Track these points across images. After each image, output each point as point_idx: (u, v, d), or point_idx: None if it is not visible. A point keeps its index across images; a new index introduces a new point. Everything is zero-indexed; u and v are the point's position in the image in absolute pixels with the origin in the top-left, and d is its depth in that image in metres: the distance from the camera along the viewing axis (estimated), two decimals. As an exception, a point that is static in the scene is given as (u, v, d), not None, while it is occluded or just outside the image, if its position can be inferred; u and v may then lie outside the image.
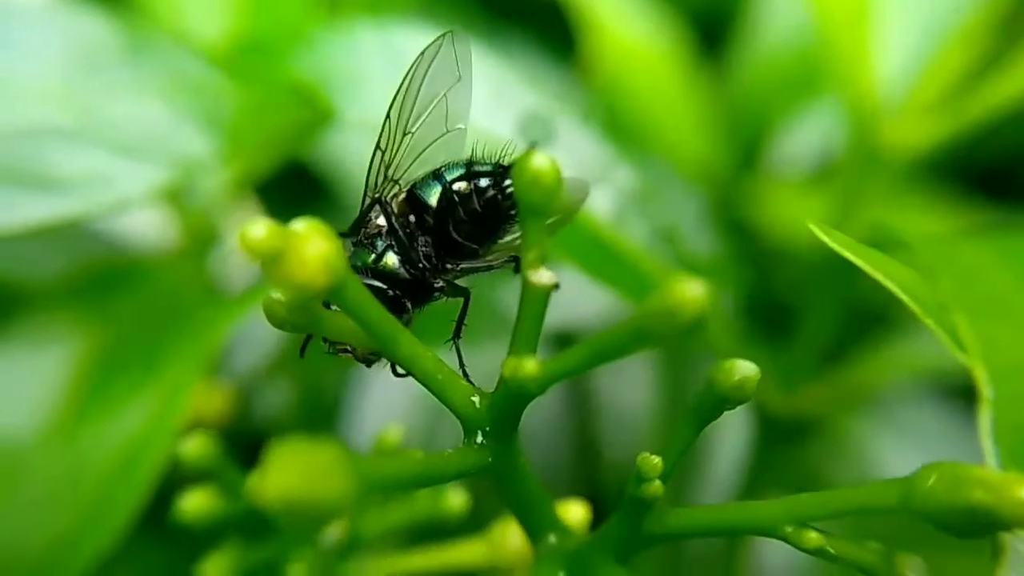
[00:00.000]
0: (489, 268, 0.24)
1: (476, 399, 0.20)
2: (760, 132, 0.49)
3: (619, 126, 0.46)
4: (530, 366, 0.18)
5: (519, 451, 0.20)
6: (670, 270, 0.31)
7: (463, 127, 0.24)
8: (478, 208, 0.23)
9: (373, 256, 0.22)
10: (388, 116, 0.23)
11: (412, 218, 0.22)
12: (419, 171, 0.23)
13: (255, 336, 0.33)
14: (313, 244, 0.17)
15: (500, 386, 0.20)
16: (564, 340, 0.36)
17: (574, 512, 0.24)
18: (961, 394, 0.35)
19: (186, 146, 0.24)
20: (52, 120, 0.24)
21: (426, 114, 0.23)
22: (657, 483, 0.19)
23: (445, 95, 0.23)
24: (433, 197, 0.23)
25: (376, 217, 0.23)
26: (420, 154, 0.23)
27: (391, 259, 0.22)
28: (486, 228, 0.23)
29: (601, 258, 0.30)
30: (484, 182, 0.23)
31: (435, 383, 0.20)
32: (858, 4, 0.30)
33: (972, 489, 0.15)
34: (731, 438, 0.34)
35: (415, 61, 0.22)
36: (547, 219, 0.19)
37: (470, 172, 0.23)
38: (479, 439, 0.20)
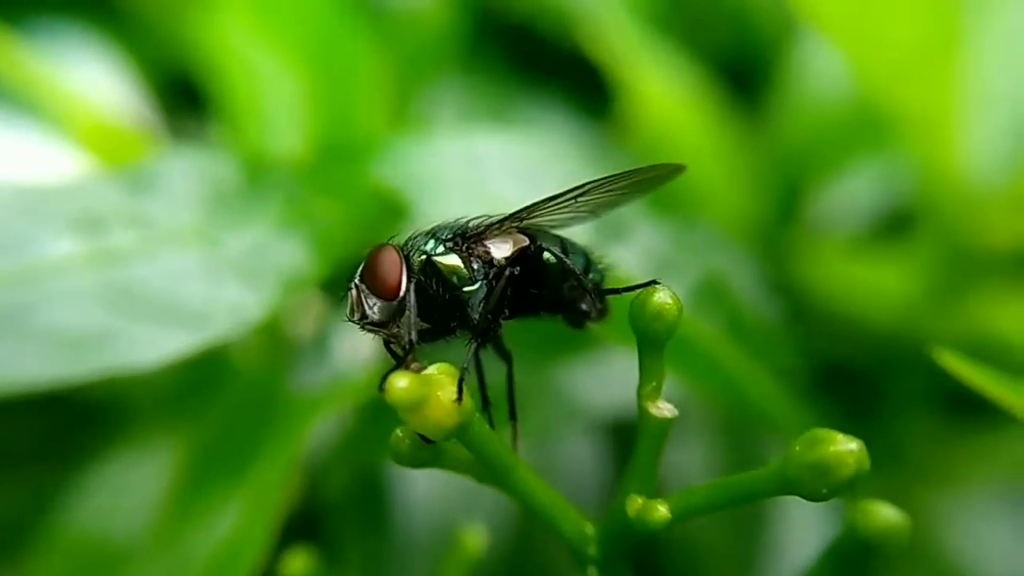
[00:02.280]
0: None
1: (588, 531, 0.20)
2: (802, 185, 0.48)
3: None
4: (661, 511, 0.18)
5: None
6: (744, 357, 0.30)
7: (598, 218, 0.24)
8: (567, 294, 0.22)
9: (461, 280, 0.21)
10: (589, 183, 0.22)
11: (517, 269, 0.21)
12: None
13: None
14: (449, 390, 0.17)
15: (612, 519, 0.19)
16: (622, 429, 0.35)
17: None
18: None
19: (292, 263, 0.26)
20: (186, 257, 0.26)
21: (599, 200, 0.23)
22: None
23: (621, 198, 0.24)
24: (547, 262, 0.22)
25: (496, 244, 0.22)
26: (560, 219, 0.23)
27: (478, 292, 0.21)
28: (546, 306, 0.23)
29: (672, 347, 0.29)
30: (592, 276, 0.23)
31: (547, 513, 0.20)
32: (939, 87, 0.29)
33: None
34: (813, 524, 0.33)
35: (642, 168, 0.22)
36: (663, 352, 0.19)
37: (588, 259, 0.23)
38: (591, 573, 0.20)
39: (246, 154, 0.28)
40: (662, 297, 0.18)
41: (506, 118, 0.49)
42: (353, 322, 0.20)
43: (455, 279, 0.21)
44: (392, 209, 0.26)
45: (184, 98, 0.41)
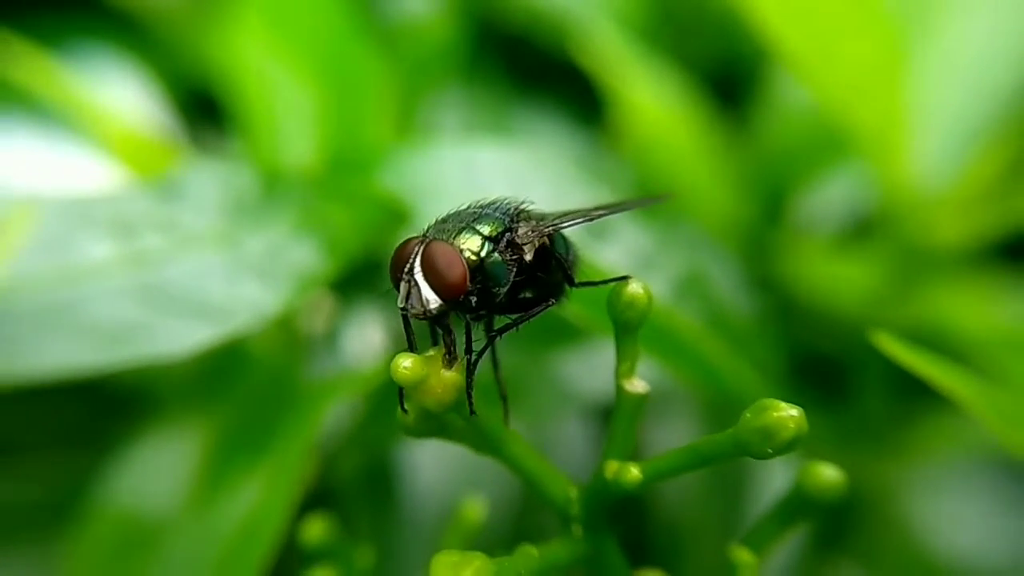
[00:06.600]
0: None
1: (572, 494, 0.22)
2: (785, 189, 0.50)
3: (649, 188, 0.48)
4: (634, 472, 0.20)
5: (612, 540, 0.23)
6: (723, 347, 0.33)
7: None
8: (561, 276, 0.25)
9: (497, 280, 0.23)
10: (604, 206, 0.25)
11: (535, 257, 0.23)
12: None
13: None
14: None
15: (592, 482, 0.22)
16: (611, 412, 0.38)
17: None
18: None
19: (305, 264, 0.29)
20: (210, 258, 0.29)
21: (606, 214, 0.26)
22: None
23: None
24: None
25: (528, 247, 0.23)
26: (566, 224, 0.25)
27: (505, 289, 0.23)
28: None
29: (656, 338, 0.32)
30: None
31: (536, 478, 0.22)
32: (889, 106, 0.32)
33: None
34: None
35: (647, 198, 0.26)
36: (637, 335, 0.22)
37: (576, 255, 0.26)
38: (576, 531, 0.22)
39: (263, 164, 0.31)
40: (634, 288, 0.21)
41: (504, 126, 0.52)
42: (409, 314, 0.21)
43: (493, 279, 0.23)
44: (396, 214, 0.29)
45: (204, 111, 0.44)
